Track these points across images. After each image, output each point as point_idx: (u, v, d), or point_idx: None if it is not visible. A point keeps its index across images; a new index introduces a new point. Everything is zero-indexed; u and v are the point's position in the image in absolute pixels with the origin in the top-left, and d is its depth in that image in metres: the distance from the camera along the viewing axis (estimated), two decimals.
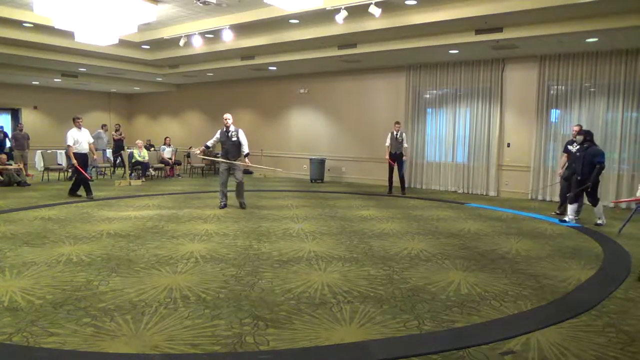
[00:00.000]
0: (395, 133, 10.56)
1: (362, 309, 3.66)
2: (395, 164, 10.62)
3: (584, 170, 7.14)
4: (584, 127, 8.08)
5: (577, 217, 7.61)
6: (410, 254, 5.39)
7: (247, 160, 8.02)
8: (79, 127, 9.21)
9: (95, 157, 10.14)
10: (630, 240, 6.27)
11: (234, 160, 8.12)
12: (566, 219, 7.45)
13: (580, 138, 7.41)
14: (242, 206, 8.29)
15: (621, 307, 3.81)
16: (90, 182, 9.26)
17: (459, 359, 2.90)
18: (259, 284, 4.20)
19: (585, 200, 7.71)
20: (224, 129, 8.14)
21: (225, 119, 8.15)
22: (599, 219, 7.27)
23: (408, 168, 11.81)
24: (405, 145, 10.68)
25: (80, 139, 9.15)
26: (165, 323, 3.32)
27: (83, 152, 9.20)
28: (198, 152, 8.60)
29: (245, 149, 8.10)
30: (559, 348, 3.04)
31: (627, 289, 4.23)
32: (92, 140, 9.58)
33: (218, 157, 8.81)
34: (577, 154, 7.39)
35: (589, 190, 7.22)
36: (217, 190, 8.72)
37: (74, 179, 9.62)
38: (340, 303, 3.77)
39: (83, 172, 9.11)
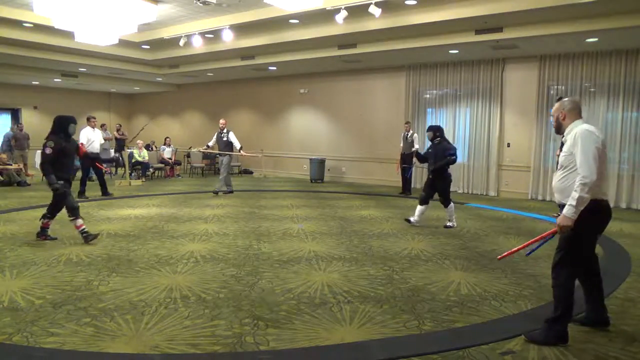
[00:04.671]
0: (405, 133, 10.36)
1: (362, 309, 3.66)
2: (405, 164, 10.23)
3: (436, 167, 6.80)
4: None
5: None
6: (410, 254, 5.39)
7: (242, 152, 9.97)
8: (93, 127, 9.64)
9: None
10: (630, 240, 6.27)
11: (224, 155, 9.98)
12: (411, 219, 7.01)
13: (430, 134, 6.95)
14: (215, 192, 9.90)
15: (621, 307, 3.80)
16: (89, 182, 9.33)
17: (459, 359, 2.89)
18: (259, 284, 4.20)
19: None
20: (219, 132, 9.98)
21: (221, 123, 10.02)
22: (450, 220, 6.95)
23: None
24: (416, 146, 9.56)
25: (93, 138, 9.48)
26: (165, 323, 3.32)
27: (94, 151, 9.38)
28: (200, 150, 10.89)
29: (237, 144, 9.86)
30: (559, 348, 3.04)
31: (627, 289, 4.23)
32: (103, 141, 9.99)
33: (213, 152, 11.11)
34: (430, 150, 6.97)
35: (441, 189, 6.83)
36: (216, 191, 10.06)
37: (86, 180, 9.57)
38: (340, 303, 3.77)
39: (101, 167, 9.67)
